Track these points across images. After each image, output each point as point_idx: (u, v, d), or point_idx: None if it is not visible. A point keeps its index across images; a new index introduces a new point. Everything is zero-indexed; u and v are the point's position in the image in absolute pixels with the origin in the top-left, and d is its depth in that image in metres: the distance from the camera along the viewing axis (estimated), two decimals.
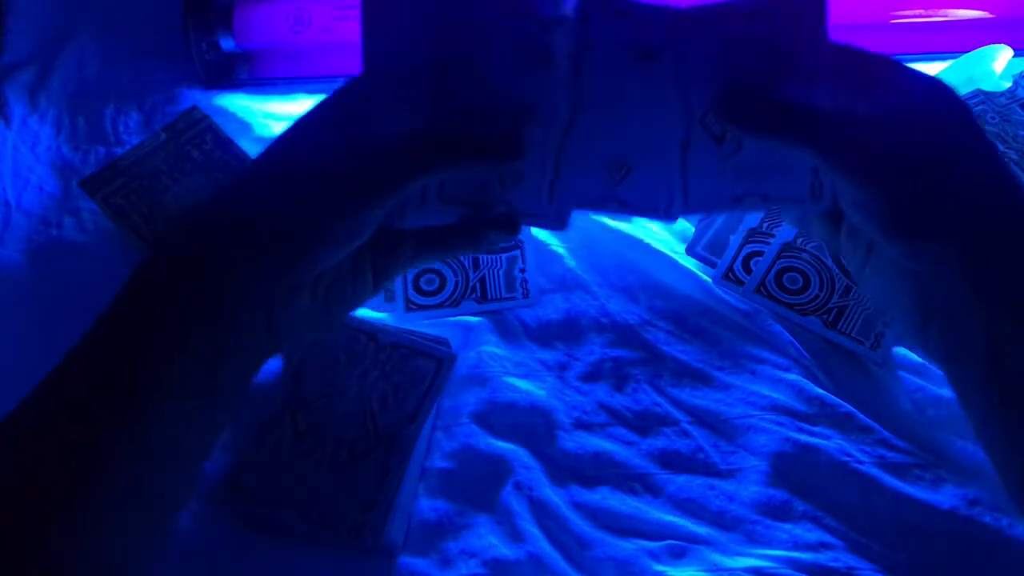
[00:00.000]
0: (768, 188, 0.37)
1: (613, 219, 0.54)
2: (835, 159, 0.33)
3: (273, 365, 0.48)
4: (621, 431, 0.47)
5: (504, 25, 0.34)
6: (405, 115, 0.34)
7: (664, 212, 0.38)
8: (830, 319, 0.49)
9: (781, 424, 0.46)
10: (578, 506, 0.44)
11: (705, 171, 0.36)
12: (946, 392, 0.47)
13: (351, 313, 0.39)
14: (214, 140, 0.54)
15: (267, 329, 0.33)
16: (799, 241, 0.52)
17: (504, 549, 0.43)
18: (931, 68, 0.60)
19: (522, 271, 0.51)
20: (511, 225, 0.38)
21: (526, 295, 0.51)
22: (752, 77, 0.34)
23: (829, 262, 0.51)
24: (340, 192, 0.33)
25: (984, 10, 0.62)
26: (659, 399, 0.48)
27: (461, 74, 0.34)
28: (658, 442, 0.46)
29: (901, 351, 0.49)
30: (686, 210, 0.38)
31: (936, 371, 0.48)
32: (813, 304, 0.50)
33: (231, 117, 0.58)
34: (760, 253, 0.51)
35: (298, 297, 0.34)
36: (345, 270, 0.36)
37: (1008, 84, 0.57)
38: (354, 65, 0.63)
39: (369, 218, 0.33)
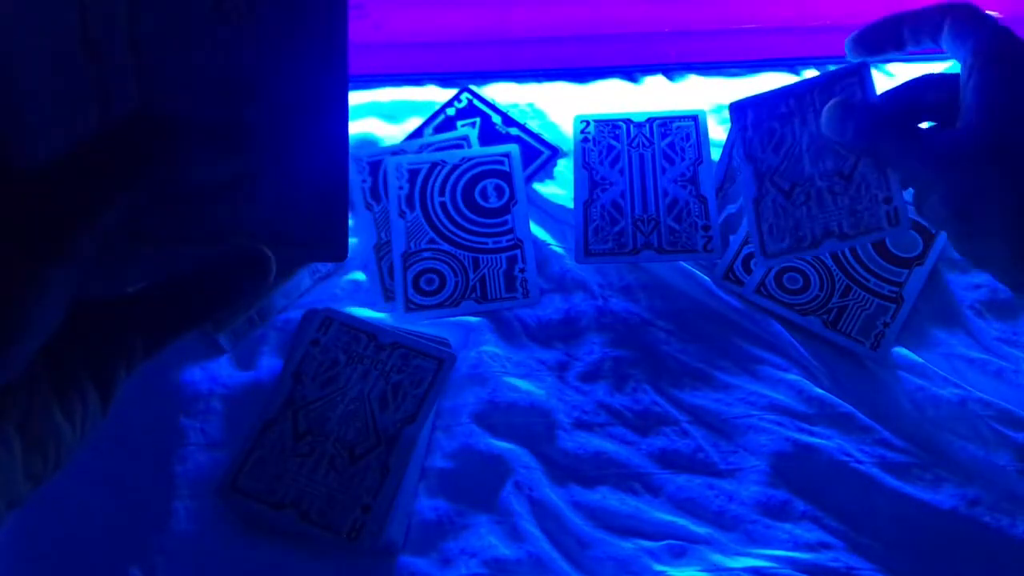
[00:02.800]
0: (844, 227, 0.45)
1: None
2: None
3: (273, 365, 0.48)
4: (621, 431, 0.47)
5: None
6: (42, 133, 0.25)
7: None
8: (830, 319, 0.49)
9: (781, 424, 0.46)
10: (578, 506, 0.44)
11: (777, 220, 0.46)
12: (946, 392, 0.47)
13: (77, 445, 0.25)
14: None
15: None
16: None
17: (504, 549, 0.43)
18: (935, 67, 0.60)
19: (522, 271, 0.51)
20: (260, 261, 0.27)
21: (526, 295, 0.51)
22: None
23: (829, 262, 0.51)
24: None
25: (993, 9, 0.61)
26: (659, 399, 0.48)
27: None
28: (658, 442, 0.46)
29: (901, 351, 0.49)
30: (767, 259, 0.46)
31: (936, 371, 0.48)
32: (813, 304, 0.50)
33: None
34: None
35: None
36: (40, 379, 0.24)
37: None
38: (354, 65, 0.63)
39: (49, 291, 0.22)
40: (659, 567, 0.42)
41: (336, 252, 0.29)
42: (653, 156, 0.54)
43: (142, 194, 0.23)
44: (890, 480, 0.44)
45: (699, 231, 0.51)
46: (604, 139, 0.55)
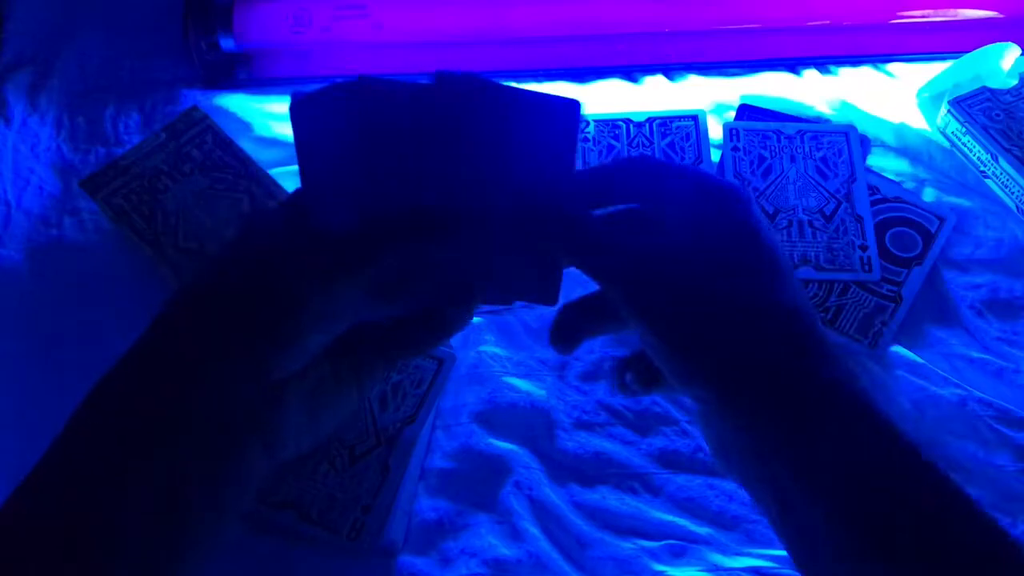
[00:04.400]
0: (821, 260, 0.49)
1: None
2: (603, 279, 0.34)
3: None
4: (621, 431, 0.47)
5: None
6: (350, 209, 0.35)
7: None
8: (828, 317, 0.49)
9: None
10: (578, 506, 0.44)
11: None
12: (946, 392, 0.47)
13: (337, 424, 0.38)
14: (214, 140, 0.54)
15: (255, 432, 0.32)
16: None
17: (504, 549, 0.43)
18: (938, 67, 0.60)
19: None
20: (465, 296, 0.37)
21: None
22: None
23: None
24: (309, 274, 0.32)
25: (993, 10, 0.61)
26: (659, 399, 0.48)
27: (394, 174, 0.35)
28: (658, 442, 0.46)
29: (900, 351, 0.49)
30: None
31: (936, 371, 0.48)
32: (812, 302, 0.50)
33: (231, 117, 0.58)
34: None
35: (286, 400, 0.33)
36: (326, 374, 0.35)
37: (1015, 82, 0.57)
38: (354, 65, 0.63)
39: (341, 299, 0.33)
40: (659, 567, 0.42)
41: (548, 300, 0.38)
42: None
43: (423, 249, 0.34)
44: None
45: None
46: (604, 139, 0.55)
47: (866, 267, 0.50)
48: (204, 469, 0.31)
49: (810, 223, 0.51)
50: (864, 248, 0.50)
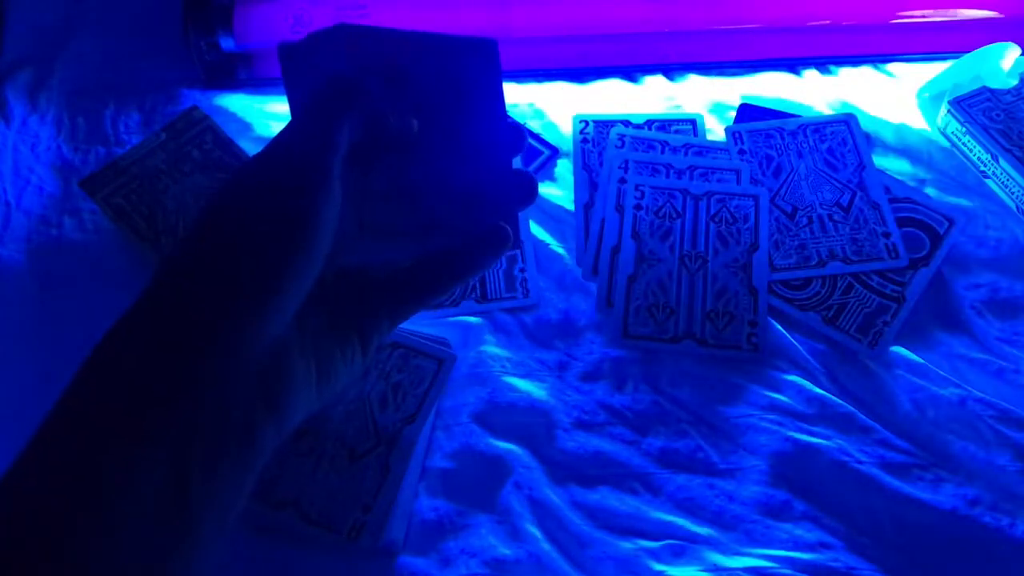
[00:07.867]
0: (848, 252, 0.49)
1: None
2: None
3: None
4: (621, 431, 0.47)
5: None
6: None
7: None
8: (830, 315, 0.49)
9: (781, 424, 0.46)
10: (578, 506, 0.44)
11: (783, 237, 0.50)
12: (946, 392, 0.47)
13: (344, 385, 0.35)
14: (214, 140, 0.54)
15: (262, 399, 0.30)
16: None
17: (504, 549, 0.43)
18: (938, 67, 0.60)
19: (522, 271, 0.51)
20: (502, 237, 0.36)
21: (526, 295, 0.51)
22: None
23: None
24: (294, 182, 0.31)
25: (993, 10, 0.61)
26: (659, 399, 0.48)
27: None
28: (658, 442, 0.46)
29: (901, 351, 0.48)
30: (773, 273, 0.50)
31: (936, 371, 0.48)
32: (814, 300, 0.50)
33: (231, 117, 0.58)
34: None
35: (290, 362, 0.31)
36: (327, 328, 0.34)
37: (1015, 82, 0.57)
38: None
39: (328, 202, 0.31)
40: (659, 567, 0.42)
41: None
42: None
43: (360, 124, 0.34)
44: (890, 480, 0.44)
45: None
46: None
47: (893, 254, 0.50)
48: (212, 454, 0.28)
49: (830, 216, 0.51)
50: (887, 235, 0.50)
